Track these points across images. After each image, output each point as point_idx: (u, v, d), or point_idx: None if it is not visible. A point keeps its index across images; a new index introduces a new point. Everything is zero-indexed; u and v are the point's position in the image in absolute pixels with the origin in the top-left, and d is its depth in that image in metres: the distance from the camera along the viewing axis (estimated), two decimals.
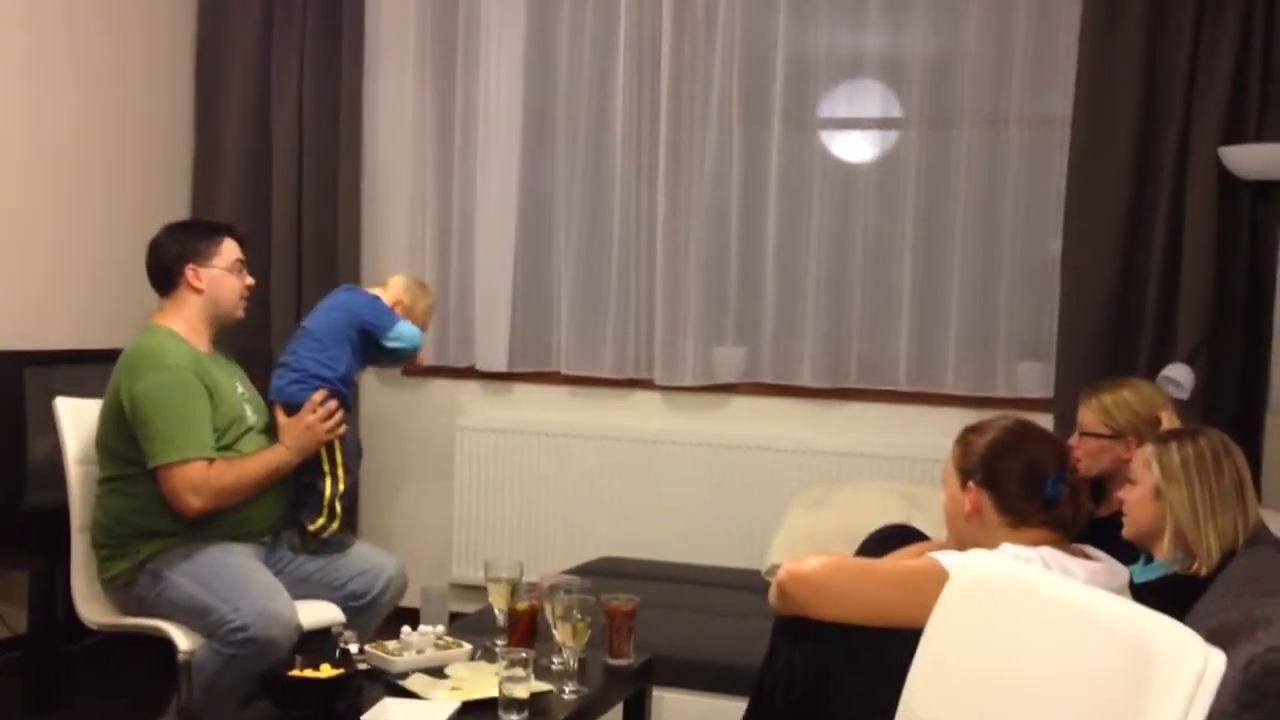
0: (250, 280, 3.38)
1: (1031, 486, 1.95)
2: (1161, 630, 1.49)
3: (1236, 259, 4.02)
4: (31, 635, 3.95)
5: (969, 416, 4.37)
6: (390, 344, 3.51)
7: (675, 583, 3.92)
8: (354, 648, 2.65)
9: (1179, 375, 3.90)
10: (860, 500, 4.09)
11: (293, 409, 3.31)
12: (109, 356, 3.30)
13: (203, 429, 3.10)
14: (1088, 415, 3.18)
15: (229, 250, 3.31)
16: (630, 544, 4.56)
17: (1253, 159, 3.86)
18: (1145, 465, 2.40)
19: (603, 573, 4.06)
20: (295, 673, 2.48)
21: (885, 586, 1.87)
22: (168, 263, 3.27)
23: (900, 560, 2.33)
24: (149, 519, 3.11)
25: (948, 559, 1.87)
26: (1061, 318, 4.21)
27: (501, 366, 4.81)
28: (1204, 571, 2.27)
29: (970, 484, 2.04)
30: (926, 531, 3.80)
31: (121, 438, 3.13)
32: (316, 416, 3.30)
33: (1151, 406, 3.09)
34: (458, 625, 3.05)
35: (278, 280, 4.86)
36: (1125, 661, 1.46)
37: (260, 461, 3.21)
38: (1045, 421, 4.20)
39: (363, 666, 2.62)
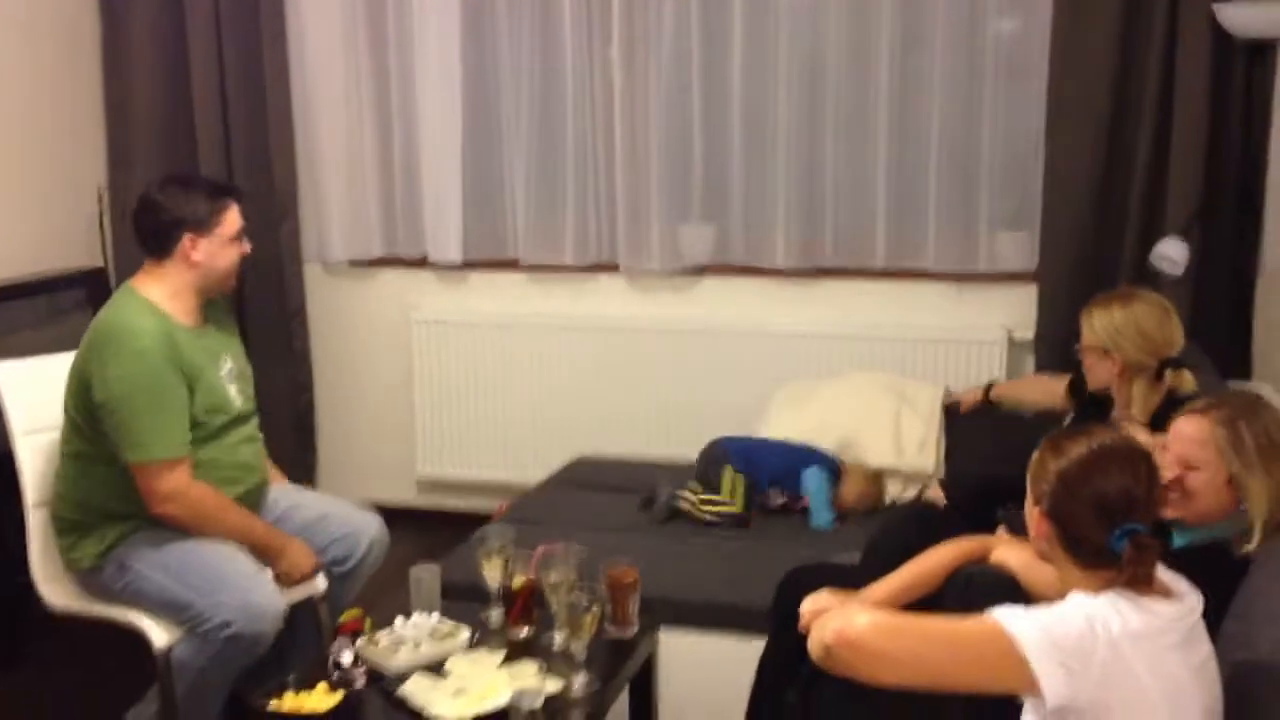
0: (248, 248, 3.02)
1: (1100, 532, 1.79)
2: None
3: (1229, 123, 3.82)
4: None
5: (949, 292, 4.25)
6: None
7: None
8: (347, 658, 2.49)
9: (1173, 251, 3.76)
10: (845, 395, 3.95)
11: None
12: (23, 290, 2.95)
13: (177, 426, 2.82)
14: (1084, 331, 3.08)
15: (232, 218, 2.95)
16: (603, 438, 4.41)
17: (1249, 17, 3.63)
18: (1211, 449, 2.22)
19: (581, 484, 3.94)
20: (287, 708, 2.32)
21: (944, 655, 1.72)
22: (164, 227, 2.90)
23: (935, 567, 2.21)
24: (117, 501, 2.87)
25: (1010, 622, 1.72)
26: (1046, 186, 4.00)
27: (455, 256, 4.54)
28: (1252, 548, 2.17)
29: (1038, 510, 1.87)
30: (922, 442, 3.72)
31: (86, 414, 2.85)
32: (313, 563, 3.03)
33: (1144, 326, 2.98)
34: (450, 605, 2.86)
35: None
36: None
37: (246, 521, 2.96)
38: (1029, 296, 4.09)
39: (360, 683, 2.47)
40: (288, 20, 4.50)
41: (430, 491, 4.77)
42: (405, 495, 4.77)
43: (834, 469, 3.65)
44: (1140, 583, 1.78)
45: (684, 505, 3.60)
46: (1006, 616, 1.75)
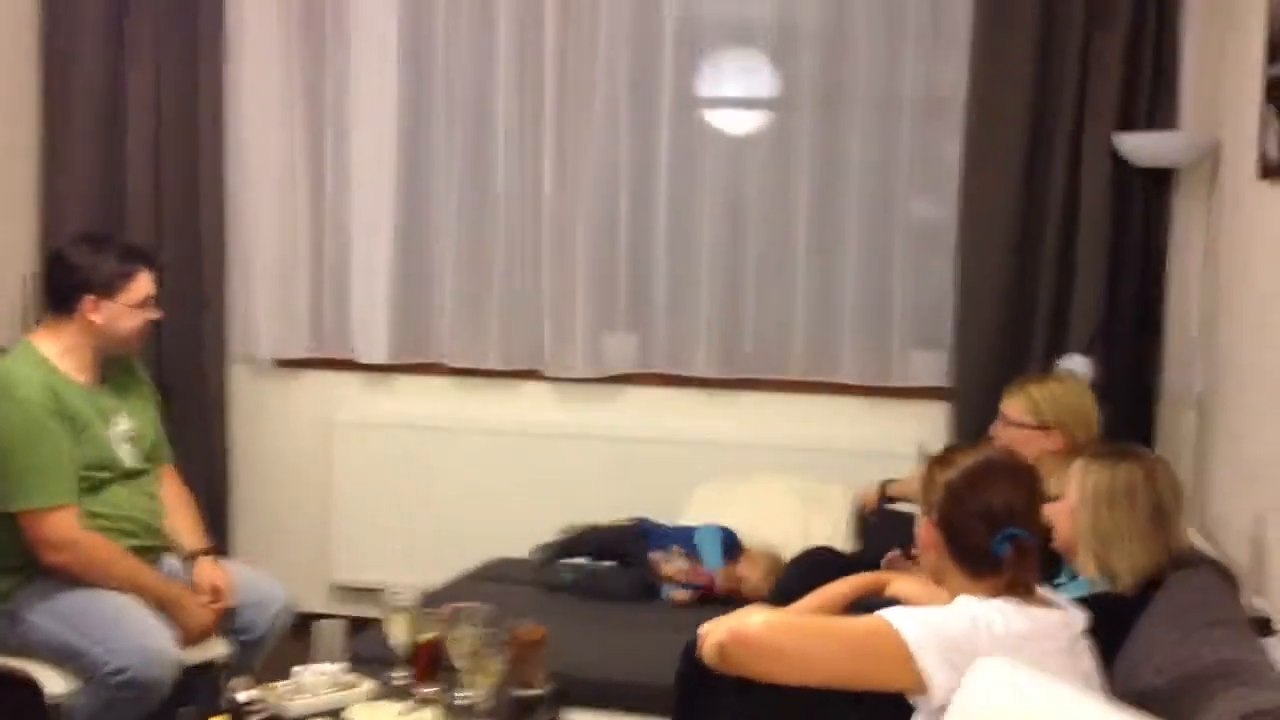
0: (155, 315, 3.06)
1: (986, 540, 1.85)
2: None
3: (1130, 246, 4.01)
4: None
5: (865, 405, 4.35)
6: None
7: (576, 590, 3.78)
8: (242, 696, 2.46)
9: (1076, 366, 3.89)
10: (758, 499, 4.01)
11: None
12: None
13: (60, 472, 2.82)
14: (1014, 406, 3.19)
15: (140, 286, 2.99)
16: (523, 543, 4.38)
17: (1146, 146, 3.86)
18: (1071, 482, 2.37)
19: (497, 578, 3.92)
20: None
21: (835, 650, 1.76)
22: (67, 285, 2.95)
23: (837, 600, 2.24)
24: (3, 555, 2.84)
25: (897, 619, 1.77)
26: (957, 306, 4.16)
27: (381, 358, 4.58)
28: (1126, 592, 2.25)
29: (928, 520, 1.94)
30: (829, 539, 3.77)
31: None
32: (211, 609, 3.04)
33: (1081, 403, 3.09)
34: (352, 659, 2.85)
35: None
36: None
37: (139, 571, 2.93)
38: (941, 412, 4.20)
39: (256, 716, 2.43)
40: (226, 118, 4.60)
41: (344, 600, 4.70)
42: (318, 601, 4.68)
43: (732, 537, 3.70)
44: (1022, 587, 1.84)
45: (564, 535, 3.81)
46: (895, 615, 1.80)
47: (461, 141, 4.52)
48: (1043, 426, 3.11)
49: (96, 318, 2.94)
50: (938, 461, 1.96)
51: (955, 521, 1.88)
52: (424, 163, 4.58)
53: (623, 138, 4.42)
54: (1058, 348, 4.02)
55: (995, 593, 1.84)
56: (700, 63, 4.40)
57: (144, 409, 3.14)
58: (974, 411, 4.06)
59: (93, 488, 2.90)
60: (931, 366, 4.31)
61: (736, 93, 4.44)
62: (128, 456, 3.01)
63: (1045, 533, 2.11)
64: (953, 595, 1.90)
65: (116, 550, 2.88)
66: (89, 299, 2.93)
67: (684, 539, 3.79)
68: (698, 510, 4.00)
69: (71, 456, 2.84)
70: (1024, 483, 1.91)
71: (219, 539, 4.67)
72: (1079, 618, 1.88)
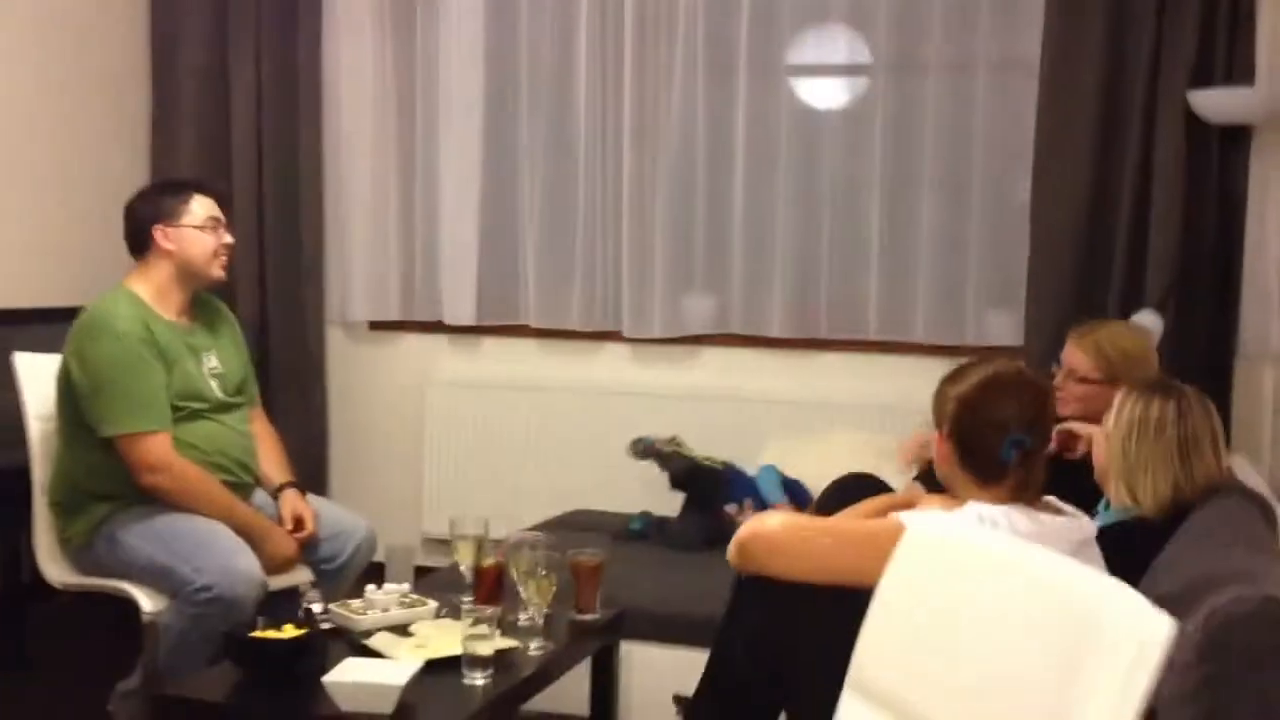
0: (228, 239, 3.27)
1: (995, 447, 1.94)
2: (1102, 592, 1.50)
3: (1205, 204, 4.00)
4: None
5: (938, 365, 4.33)
6: None
7: (644, 539, 3.90)
8: (318, 607, 2.63)
9: (1148, 321, 3.89)
10: (830, 453, 4.07)
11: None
12: (69, 315, 3.22)
13: (155, 400, 3.04)
14: (1079, 356, 3.19)
15: (199, 207, 3.22)
16: (601, 497, 4.53)
17: (1221, 102, 3.84)
18: (1109, 413, 2.44)
19: (573, 526, 4.06)
20: (257, 633, 2.46)
21: (846, 546, 1.86)
22: (138, 225, 3.20)
23: (861, 517, 2.33)
24: (101, 481, 3.07)
25: (905, 518, 1.85)
26: (1031, 265, 4.18)
27: (469, 320, 4.76)
28: (1151, 517, 2.30)
29: (940, 434, 2.03)
30: (892, 482, 3.82)
31: (70, 400, 3.09)
32: (295, 539, 3.22)
33: (1147, 357, 3.12)
34: (423, 582, 3.03)
35: (241, 242, 4.76)
36: (1067, 623, 1.48)
37: (229, 499, 3.13)
38: None
39: (327, 626, 2.60)
40: (324, 97, 4.83)
41: (435, 551, 4.88)
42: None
43: (797, 488, 3.79)
44: (1030, 493, 1.91)
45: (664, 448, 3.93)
46: (904, 515, 1.88)
47: (544, 112, 4.67)
48: (1111, 382, 3.11)
49: (169, 245, 3.18)
50: (949, 379, 2.05)
51: (965, 432, 1.97)
52: (508, 134, 4.75)
53: (700, 104, 4.53)
54: (1132, 306, 4.01)
55: (1004, 500, 1.92)
56: (776, 30, 4.48)
57: (232, 349, 3.35)
58: (1048, 369, 4.08)
59: (186, 419, 3.11)
60: (1006, 325, 4.34)
61: (812, 59, 4.52)
62: (216, 390, 3.22)
63: (1050, 442, 2.17)
64: (963, 503, 1.98)
65: (208, 477, 3.10)
66: (157, 230, 3.17)
67: (758, 491, 3.88)
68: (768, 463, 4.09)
69: (165, 385, 3.06)
70: (1029, 395, 1.99)
71: (318, 492, 4.92)
72: (1088, 525, 1.95)
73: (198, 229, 3.21)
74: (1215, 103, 3.84)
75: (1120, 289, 4.06)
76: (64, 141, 4.53)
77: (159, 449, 3.01)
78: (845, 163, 4.43)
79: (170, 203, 3.20)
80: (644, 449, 3.99)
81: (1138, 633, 1.39)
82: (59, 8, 4.50)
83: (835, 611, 1.94)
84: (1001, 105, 4.30)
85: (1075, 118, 4.07)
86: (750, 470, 4.02)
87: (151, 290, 3.17)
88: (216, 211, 3.25)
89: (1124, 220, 4.05)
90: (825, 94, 4.52)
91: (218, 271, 3.25)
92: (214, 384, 3.22)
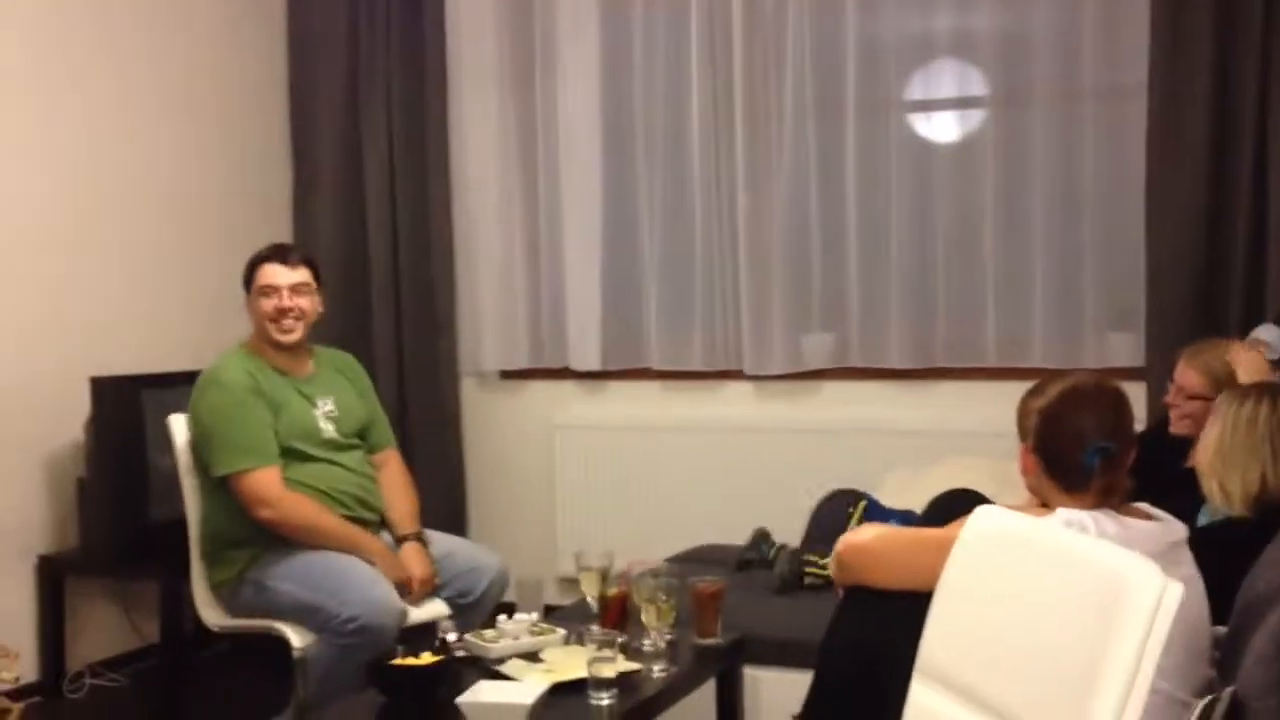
0: (275, 303, 3.40)
1: (1077, 456, 2.01)
2: (1125, 566, 1.63)
3: None
4: (163, 643, 4.17)
5: None
6: None
7: (768, 568, 3.99)
8: (452, 636, 2.79)
9: (1269, 336, 3.85)
10: (950, 480, 4.10)
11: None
12: None
13: (259, 439, 3.27)
14: (1190, 375, 3.21)
15: (261, 275, 3.44)
16: (728, 532, 4.62)
17: None
18: (1211, 414, 2.47)
19: (700, 560, 4.16)
20: (398, 661, 2.63)
21: (933, 553, 1.94)
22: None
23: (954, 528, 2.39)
24: (237, 529, 3.31)
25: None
26: (1149, 288, 4.19)
27: (595, 365, 4.94)
28: (1240, 512, 2.33)
29: (1024, 447, 2.12)
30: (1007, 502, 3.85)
31: (195, 451, 3.37)
32: (428, 575, 3.39)
33: (1260, 371, 3.13)
34: (554, 615, 3.17)
35: (378, 300, 5.06)
36: (1099, 595, 1.62)
37: (346, 527, 3.34)
38: (1137, 391, 4.21)
39: (461, 654, 2.76)
40: (451, 157, 5.08)
41: (571, 591, 5.03)
42: (549, 593, 5.04)
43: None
44: (1116, 498, 1.97)
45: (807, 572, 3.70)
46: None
47: (660, 158, 4.85)
48: None
49: (249, 310, 3.47)
50: (1030, 393, 2.14)
51: (1049, 443, 2.05)
52: (627, 184, 4.94)
53: (811, 145, 4.65)
54: (1253, 322, 3.98)
55: (1091, 505, 1.98)
56: (882, 67, 4.59)
57: (353, 396, 3.57)
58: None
59: (300, 459, 3.34)
60: (1126, 347, 4.34)
61: (920, 95, 4.61)
62: (331, 431, 3.44)
63: (1134, 446, 2.21)
64: (1053, 510, 2.05)
65: (322, 509, 3.31)
66: (246, 298, 3.46)
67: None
68: (889, 495, 4.14)
69: (270, 425, 3.30)
70: (1107, 403, 2.07)
71: (457, 533, 5.11)
72: (1178, 528, 1.99)
73: (256, 296, 3.44)
74: None
75: (1240, 307, 4.06)
76: (215, 214, 4.86)
77: (266, 483, 3.24)
78: (957, 194, 4.51)
79: (248, 273, 3.48)
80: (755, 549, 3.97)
81: (1149, 597, 1.54)
82: (206, 93, 4.85)
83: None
84: (1110, 130, 4.33)
85: (1186, 139, 4.09)
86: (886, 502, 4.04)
87: (254, 346, 3.45)
88: (273, 280, 3.42)
89: (1241, 237, 4.05)
90: (934, 127, 4.61)
91: (277, 334, 3.42)
92: (328, 426, 3.44)
